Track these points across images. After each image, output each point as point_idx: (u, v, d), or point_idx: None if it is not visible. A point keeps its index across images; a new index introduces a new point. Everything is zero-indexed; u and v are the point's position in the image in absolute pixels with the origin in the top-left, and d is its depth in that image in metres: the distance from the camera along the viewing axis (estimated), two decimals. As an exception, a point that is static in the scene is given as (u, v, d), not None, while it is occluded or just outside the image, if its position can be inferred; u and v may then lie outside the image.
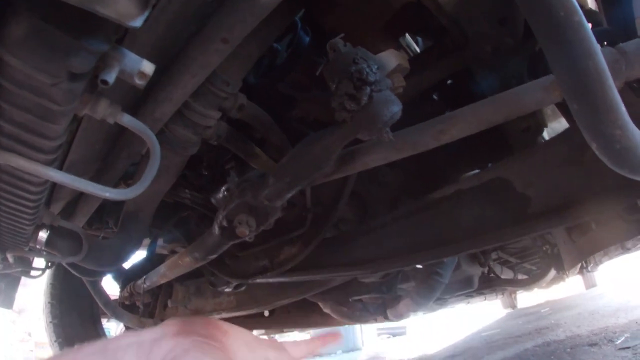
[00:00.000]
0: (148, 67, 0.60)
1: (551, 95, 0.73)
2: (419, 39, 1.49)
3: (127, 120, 0.68)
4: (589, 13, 1.13)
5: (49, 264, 1.60)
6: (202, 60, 0.73)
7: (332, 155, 0.73)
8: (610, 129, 0.61)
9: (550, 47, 0.60)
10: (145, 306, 2.07)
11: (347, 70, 0.66)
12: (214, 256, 1.11)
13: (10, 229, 1.17)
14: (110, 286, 2.24)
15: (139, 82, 0.60)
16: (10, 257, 1.50)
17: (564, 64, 0.59)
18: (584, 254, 1.72)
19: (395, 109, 0.67)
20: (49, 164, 0.82)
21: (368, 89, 0.65)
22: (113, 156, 1.02)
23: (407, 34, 1.43)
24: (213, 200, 1.08)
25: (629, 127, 0.62)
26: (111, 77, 0.57)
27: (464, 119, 0.76)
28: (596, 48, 0.59)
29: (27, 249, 1.32)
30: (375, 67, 0.66)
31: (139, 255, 2.22)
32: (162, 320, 2.08)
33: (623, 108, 0.62)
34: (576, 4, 0.57)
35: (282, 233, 1.22)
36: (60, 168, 0.97)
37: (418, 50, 1.45)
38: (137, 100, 0.85)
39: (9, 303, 1.93)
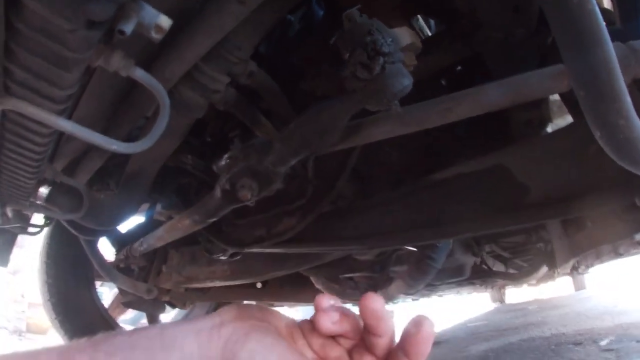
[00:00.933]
0: (165, 22, 0.60)
1: (559, 84, 0.73)
2: (432, 23, 1.49)
3: (139, 74, 0.68)
4: (603, 12, 1.12)
5: (48, 221, 1.62)
6: (216, 21, 0.74)
7: (340, 123, 0.74)
8: (614, 118, 0.62)
9: (561, 33, 0.60)
10: (140, 269, 2.09)
11: (362, 40, 0.67)
12: (214, 219, 1.12)
13: (12, 182, 1.18)
14: (106, 251, 2.26)
15: (156, 36, 0.61)
16: (9, 212, 1.51)
17: (574, 50, 0.59)
18: (578, 251, 1.73)
19: (406, 82, 0.68)
20: (58, 114, 0.83)
21: (381, 60, 0.65)
22: (120, 115, 1.03)
23: (420, 18, 1.43)
24: (215, 168, 1.09)
25: (633, 118, 0.63)
26: (129, 28, 0.58)
27: (471, 99, 0.77)
28: (606, 37, 0.60)
29: (27, 204, 1.33)
30: (390, 39, 0.67)
31: (136, 221, 2.24)
32: (155, 285, 2.11)
33: (629, 99, 0.63)
34: None
35: (282, 203, 1.24)
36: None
37: (429, 32, 1.45)
38: (148, 58, 0.86)
39: (4, 261, 1.94)
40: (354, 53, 0.67)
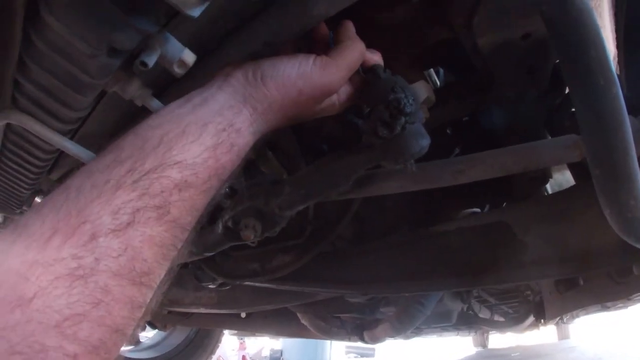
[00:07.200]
0: (189, 57, 0.60)
1: (572, 154, 0.75)
2: (441, 70, 1.50)
3: (155, 105, 0.68)
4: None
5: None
6: (237, 59, 0.73)
7: (353, 175, 0.73)
8: (626, 198, 0.64)
9: (584, 110, 0.62)
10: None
11: (385, 97, 0.66)
12: (211, 254, 1.10)
13: (8, 191, 1.15)
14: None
15: (178, 71, 0.60)
16: (0, 217, 1.49)
17: (596, 131, 0.61)
18: (568, 308, 1.72)
19: (425, 142, 0.67)
20: (65, 134, 0.81)
21: (403, 119, 0.65)
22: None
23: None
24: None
25: None
26: (151, 60, 0.57)
27: (483, 163, 0.78)
28: (626, 120, 0.61)
29: (18, 212, 1.31)
30: (412, 98, 0.67)
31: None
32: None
33: None
34: (615, 76, 0.58)
35: (279, 240, 1.22)
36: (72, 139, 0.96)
37: (437, 81, 1.46)
38: (164, 86, 0.85)
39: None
40: (376, 109, 0.67)
